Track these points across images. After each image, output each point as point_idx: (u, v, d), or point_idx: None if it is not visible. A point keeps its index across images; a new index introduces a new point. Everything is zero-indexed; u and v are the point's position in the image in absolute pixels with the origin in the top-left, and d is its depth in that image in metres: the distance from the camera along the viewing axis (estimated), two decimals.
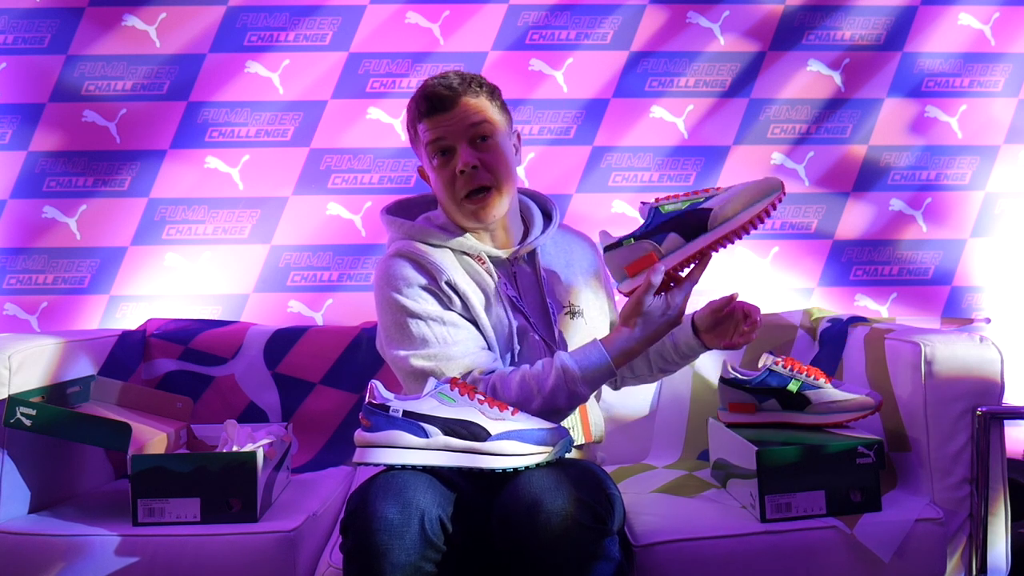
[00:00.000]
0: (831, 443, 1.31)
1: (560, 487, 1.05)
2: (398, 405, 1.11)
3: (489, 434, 1.10)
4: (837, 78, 2.18)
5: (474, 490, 1.14)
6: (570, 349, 1.37)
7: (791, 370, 1.43)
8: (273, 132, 2.10)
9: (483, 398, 1.14)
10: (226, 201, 2.09)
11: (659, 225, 1.20)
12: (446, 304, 1.32)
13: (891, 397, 1.45)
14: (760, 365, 1.47)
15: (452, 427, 1.10)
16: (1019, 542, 1.44)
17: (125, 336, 1.77)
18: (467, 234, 1.37)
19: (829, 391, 1.41)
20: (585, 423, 1.38)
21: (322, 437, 1.80)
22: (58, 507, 1.43)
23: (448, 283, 1.31)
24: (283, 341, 1.85)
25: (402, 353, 1.30)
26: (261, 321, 2.03)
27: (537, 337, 1.36)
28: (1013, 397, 1.43)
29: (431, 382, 1.15)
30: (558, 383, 1.21)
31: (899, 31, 2.18)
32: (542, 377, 1.22)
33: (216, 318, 2.06)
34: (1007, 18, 2.19)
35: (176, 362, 1.83)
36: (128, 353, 1.75)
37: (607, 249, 1.24)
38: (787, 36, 2.17)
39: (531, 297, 1.40)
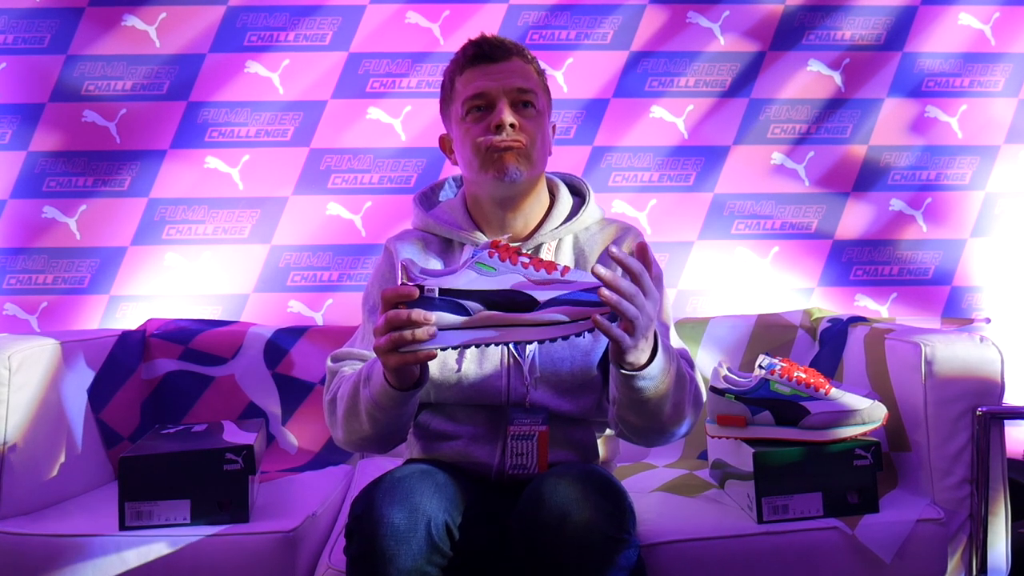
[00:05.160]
0: (828, 445, 1.31)
1: (587, 498, 1.03)
2: (434, 283, 0.98)
3: (537, 303, 0.98)
4: (837, 78, 2.17)
5: (484, 496, 1.13)
6: (540, 364, 1.23)
7: (786, 379, 1.34)
8: (273, 132, 2.10)
9: (527, 260, 1.01)
10: (226, 201, 2.09)
11: None
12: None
13: (891, 397, 1.45)
14: (756, 366, 1.38)
15: (495, 299, 0.98)
16: (1019, 542, 1.44)
17: (125, 336, 1.77)
18: (477, 232, 1.28)
19: (828, 402, 1.32)
20: (543, 454, 1.21)
21: (322, 437, 1.80)
22: (58, 507, 1.43)
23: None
24: (283, 341, 1.85)
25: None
26: (261, 321, 2.03)
27: (494, 347, 1.22)
28: (1013, 397, 1.43)
29: (467, 249, 1.05)
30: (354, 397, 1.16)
31: (899, 31, 2.18)
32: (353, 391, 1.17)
33: (216, 318, 2.06)
34: (1007, 18, 2.19)
35: (176, 362, 1.83)
36: (128, 353, 1.75)
37: None
38: (787, 36, 2.17)
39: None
